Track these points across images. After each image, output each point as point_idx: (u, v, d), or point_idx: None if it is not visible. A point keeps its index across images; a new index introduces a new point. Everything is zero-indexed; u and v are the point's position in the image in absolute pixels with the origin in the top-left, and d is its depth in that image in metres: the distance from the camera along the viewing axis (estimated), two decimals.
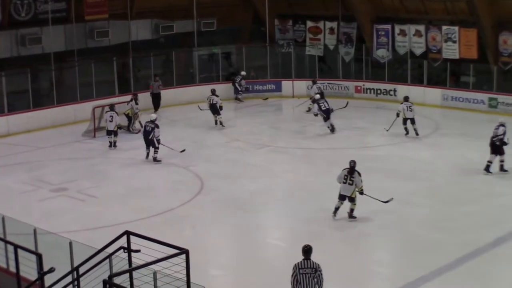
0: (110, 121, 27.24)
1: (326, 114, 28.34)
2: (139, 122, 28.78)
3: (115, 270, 12.35)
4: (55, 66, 32.06)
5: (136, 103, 29.66)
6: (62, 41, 32.94)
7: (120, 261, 12.55)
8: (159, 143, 25.10)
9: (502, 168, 22.46)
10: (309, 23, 38.41)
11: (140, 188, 22.34)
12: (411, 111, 27.26)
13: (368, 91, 35.77)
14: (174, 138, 27.35)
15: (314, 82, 33.46)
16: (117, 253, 12.68)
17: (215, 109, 29.73)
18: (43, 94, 32.71)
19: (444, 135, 28.11)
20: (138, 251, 12.40)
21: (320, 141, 27.57)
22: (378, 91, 35.48)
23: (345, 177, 18.59)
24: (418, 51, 34.43)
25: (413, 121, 27.38)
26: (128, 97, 30.64)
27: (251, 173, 23.92)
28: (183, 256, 11.66)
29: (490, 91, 32.00)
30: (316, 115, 29.00)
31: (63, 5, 32.78)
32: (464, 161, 24.10)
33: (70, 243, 12.98)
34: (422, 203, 20.01)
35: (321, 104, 28.52)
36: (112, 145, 27.21)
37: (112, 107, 27.78)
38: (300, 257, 12.40)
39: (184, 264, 11.66)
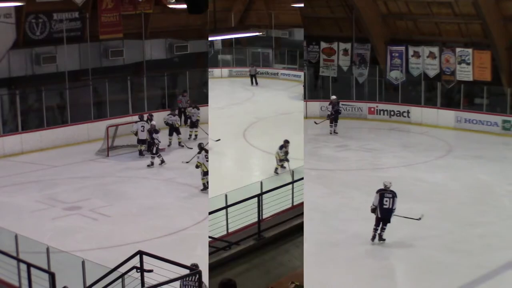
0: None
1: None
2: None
3: None
4: (69, 85, 32.15)
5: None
6: (77, 60, 33.06)
7: (132, 281, 12.56)
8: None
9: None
10: (323, 44, 38.50)
11: (153, 207, 22.33)
12: None
13: (382, 112, 35.75)
14: (186, 159, 27.47)
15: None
16: (129, 273, 12.69)
17: None
18: (57, 112, 32.81)
19: (457, 157, 28.01)
20: (151, 271, 12.41)
21: (333, 162, 27.55)
22: (392, 113, 35.45)
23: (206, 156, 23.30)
24: (432, 73, 34.42)
25: None
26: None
27: None
28: None
29: (504, 113, 31.92)
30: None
31: (77, 24, 32.94)
32: (478, 183, 24.00)
33: (83, 262, 12.99)
34: (435, 225, 19.88)
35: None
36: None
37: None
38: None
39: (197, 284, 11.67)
